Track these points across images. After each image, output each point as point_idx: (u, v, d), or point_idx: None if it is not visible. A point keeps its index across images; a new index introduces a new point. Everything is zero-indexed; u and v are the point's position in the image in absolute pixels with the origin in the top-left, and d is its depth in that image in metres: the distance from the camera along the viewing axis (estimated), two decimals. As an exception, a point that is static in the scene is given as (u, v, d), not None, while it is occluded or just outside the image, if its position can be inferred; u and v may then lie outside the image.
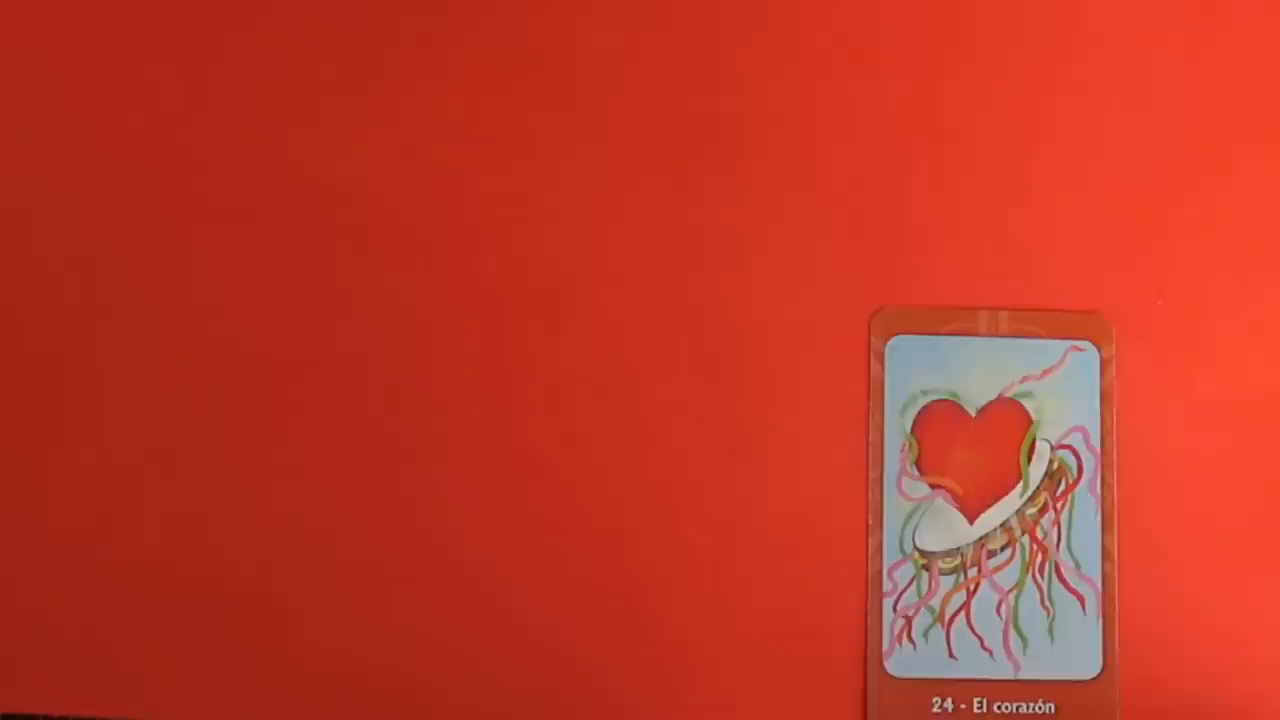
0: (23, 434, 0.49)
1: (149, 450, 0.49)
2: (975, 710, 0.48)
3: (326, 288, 0.50)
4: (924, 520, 0.48)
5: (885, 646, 0.48)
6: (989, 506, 0.48)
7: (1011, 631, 0.48)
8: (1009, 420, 0.49)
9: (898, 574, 0.48)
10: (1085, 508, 0.48)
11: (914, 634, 0.48)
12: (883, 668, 0.48)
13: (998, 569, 0.48)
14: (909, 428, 0.49)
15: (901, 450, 0.49)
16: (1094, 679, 0.48)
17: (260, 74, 0.51)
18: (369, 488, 0.49)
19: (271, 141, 0.50)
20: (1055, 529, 0.48)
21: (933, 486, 0.49)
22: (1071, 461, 0.49)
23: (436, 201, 0.50)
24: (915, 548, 0.48)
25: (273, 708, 0.48)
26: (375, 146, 0.50)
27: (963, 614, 0.48)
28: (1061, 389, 0.49)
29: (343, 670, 0.48)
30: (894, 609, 0.48)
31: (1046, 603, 0.48)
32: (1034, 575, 0.48)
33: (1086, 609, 0.48)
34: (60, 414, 0.49)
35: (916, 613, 0.48)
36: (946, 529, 0.48)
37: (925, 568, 0.48)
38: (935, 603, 0.48)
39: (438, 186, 0.50)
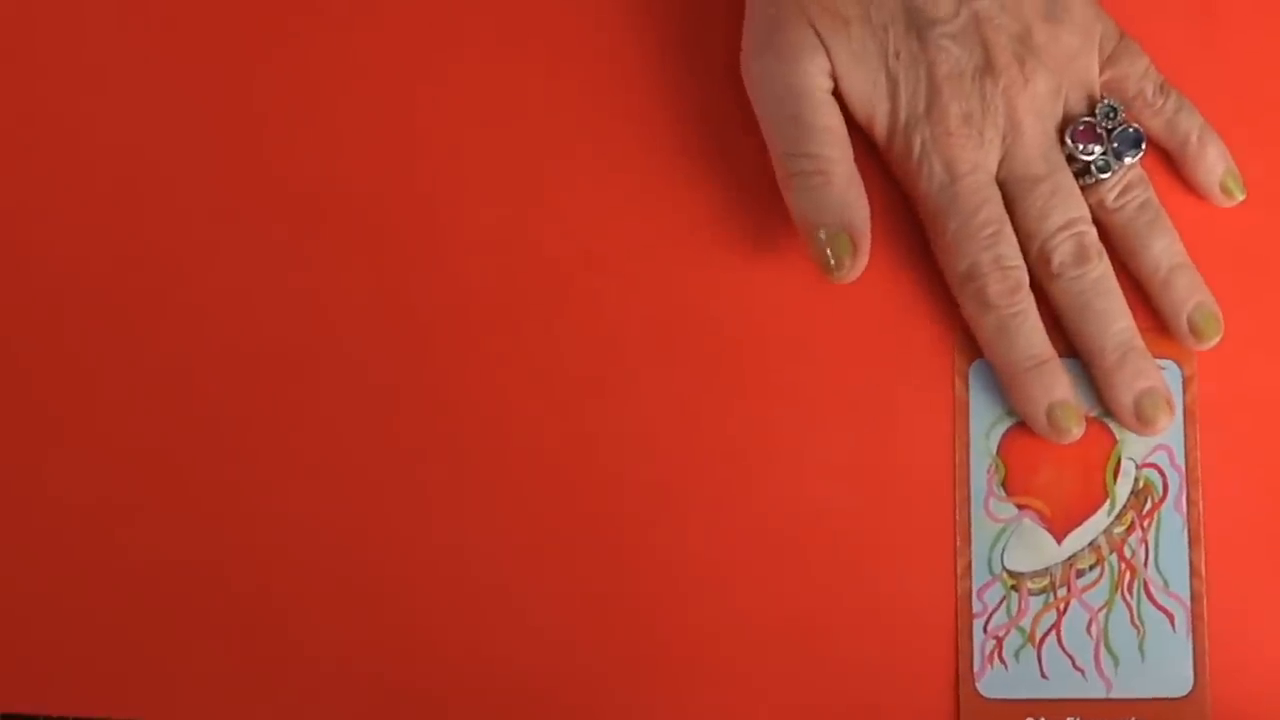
0: (23, 434, 0.50)
1: (149, 450, 0.49)
2: (1069, 730, 0.48)
3: (326, 287, 0.50)
4: (1012, 540, 0.49)
5: (976, 668, 0.48)
6: (1076, 526, 0.49)
7: (1103, 650, 0.48)
8: (1093, 440, 0.49)
9: (987, 595, 0.48)
10: (1171, 525, 0.49)
11: (1005, 654, 0.48)
12: (975, 689, 0.48)
13: (1086, 588, 0.48)
14: (994, 449, 0.49)
15: (988, 471, 0.49)
16: (1185, 697, 0.48)
17: (260, 74, 0.51)
18: (369, 488, 0.49)
19: (271, 141, 0.51)
20: (1143, 547, 0.48)
21: (1020, 507, 0.49)
22: (1157, 479, 0.49)
23: (436, 201, 0.51)
24: (1004, 568, 0.48)
25: (273, 708, 0.48)
26: (375, 146, 0.51)
27: (1053, 634, 0.48)
28: (1145, 408, 0.49)
29: (343, 670, 0.48)
30: (984, 630, 0.48)
31: (1136, 621, 0.48)
32: (1123, 594, 0.48)
33: (1176, 626, 0.48)
34: (60, 414, 0.50)
35: (1007, 633, 0.48)
36: (1035, 549, 0.48)
37: (1014, 588, 0.48)
38: (1025, 623, 0.48)
39: (437, 186, 0.51)
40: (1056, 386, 0.48)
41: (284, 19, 0.52)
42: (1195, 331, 0.49)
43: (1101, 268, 0.48)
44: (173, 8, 0.52)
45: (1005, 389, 0.49)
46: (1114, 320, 0.48)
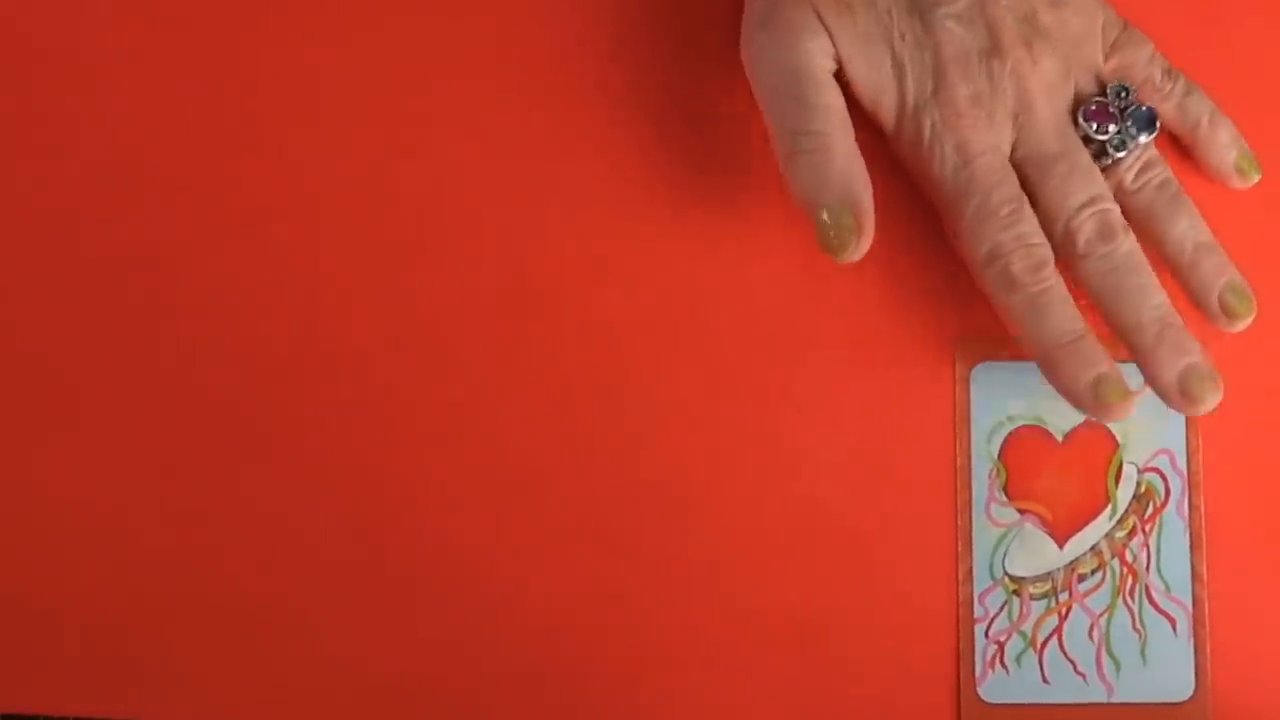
0: (23, 434, 0.49)
1: (149, 450, 0.49)
2: (1070, 735, 0.48)
3: (326, 287, 0.50)
4: (1013, 545, 0.48)
5: (978, 673, 0.48)
6: (1078, 530, 0.48)
7: (1104, 655, 0.48)
8: (1095, 444, 0.49)
9: (988, 600, 0.48)
10: (1173, 529, 0.48)
11: (1006, 659, 0.48)
12: (976, 694, 0.48)
13: (1088, 593, 0.48)
14: (996, 454, 0.49)
15: (989, 476, 0.49)
16: (1186, 701, 0.48)
17: (260, 74, 0.51)
18: (369, 488, 0.49)
19: (271, 141, 0.51)
20: (1144, 551, 0.48)
21: (1021, 512, 0.49)
22: (1158, 484, 0.49)
23: (436, 201, 0.50)
24: (1005, 573, 0.48)
25: (273, 708, 0.48)
26: (375, 146, 0.51)
27: (1055, 638, 0.48)
28: (1146, 412, 0.48)
29: (342, 670, 0.48)
30: (986, 635, 0.48)
31: (1138, 625, 0.48)
32: (1125, 598, 0.48)
33: (1178, 631, 0.48)
34: (61, 414, 0.50)
35: (1008, 638, 0.48)
36: (1036, 554, 0.48)
37: (1016, 593, 0.48)
38: (1027, 628, 0.48)
39: (437, 186, 0.51)
40: (1097, 359, 0.46)
41: (287, 22, 0.51)
42: (1227, 311, 0.47)
43: (1129, 243, 0.47)
44: (177, 8, 0.51)
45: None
46: (1149, 295, 0.46)
